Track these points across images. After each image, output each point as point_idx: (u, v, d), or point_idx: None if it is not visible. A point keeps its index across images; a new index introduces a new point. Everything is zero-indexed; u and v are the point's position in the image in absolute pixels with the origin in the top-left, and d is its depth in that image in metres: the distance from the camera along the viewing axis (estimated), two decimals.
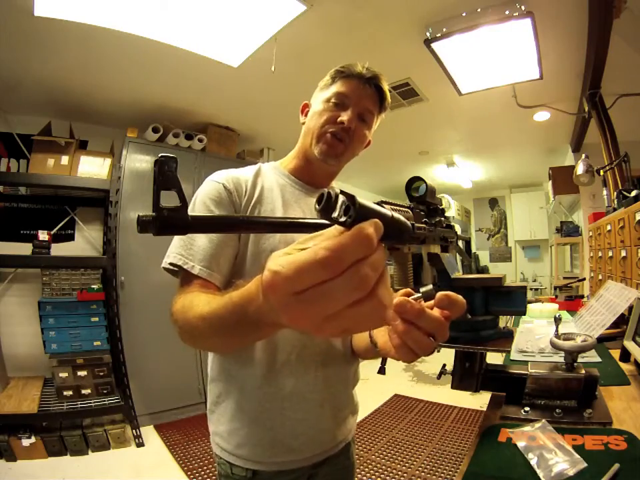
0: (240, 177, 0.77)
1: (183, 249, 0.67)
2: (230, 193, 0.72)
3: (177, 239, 0.69)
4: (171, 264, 0.67)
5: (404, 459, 2.21)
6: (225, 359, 0.75)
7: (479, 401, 2.81)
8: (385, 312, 0.26)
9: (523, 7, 1.74)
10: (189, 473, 2.07)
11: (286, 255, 0.26)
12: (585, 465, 0.55)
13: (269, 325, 0.36)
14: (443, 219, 0.73)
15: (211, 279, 0.66)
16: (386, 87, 0.79)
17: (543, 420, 0.69)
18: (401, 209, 0.50)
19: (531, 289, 5.15)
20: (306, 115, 0.82)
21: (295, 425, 0.72)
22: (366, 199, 0.26)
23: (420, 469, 2.09)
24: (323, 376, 0.75)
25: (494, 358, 0.87)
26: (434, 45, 2.02)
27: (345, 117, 0.75)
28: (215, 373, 0.77)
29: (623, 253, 1.62)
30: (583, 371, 0.76)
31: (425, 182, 0.66)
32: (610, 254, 1.84)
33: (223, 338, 0.51)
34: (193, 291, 0.62)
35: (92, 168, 2.55)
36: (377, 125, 0.83)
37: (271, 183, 0.79)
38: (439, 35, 1.94)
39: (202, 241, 0.68)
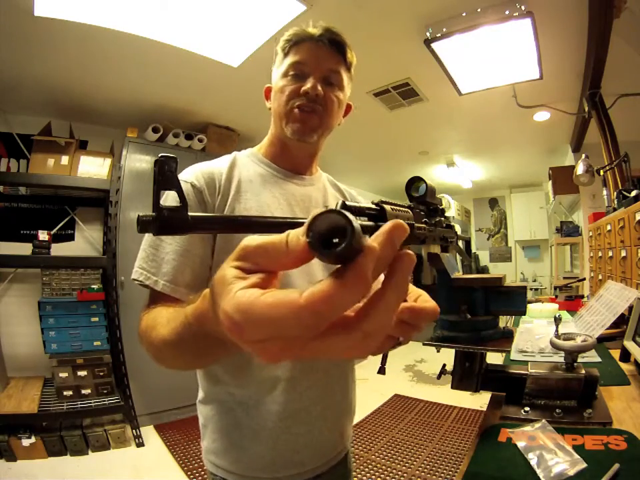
0: (213, 170, 0.68)
1: (145, 262, 0.62)
2: (200, 191, 0.65)
3: (141, 249, 0.63)
4: (134, 279, 0.62)
5: (404, 459, 2.21)
6: (221, 372, 0.68)
7: (479, 401, 2.81)
8: (375, 344, 0.21)
9: (523, 7, 1.74)
10: (188, 473, 2.07)
11: (245, 290, 0.21)
12: (585, 465, 0.55)
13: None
14: (443, 218, 0.73)
15: (175, 294, 0.60)
16: (344, 39, 0.71)
17: (543, 420, 0.68)
18: (401, 208, 0.50)
19: (531, 289, 5.15)
20: (270, 99, 0.75)
21: (297, 439, 0.68)
22: (366, 199, 0.25)
23: (420, 469, 2.09)
24: (326, 386, 0.72)
25: (494, 358, 0.87)
26: (434, 45, 2.02)
27: (308, 84, 0.67)
28: (208, 387, 0.71)
29: (623, 253, 1.62)
30: (583, 371, 0.76)
31: (425, 182, 0.66)
32: (610, 254, 1.84)
33: (190, 358, 0.47)
34: (157, 307, 0.57)
35: (92, 168, 2.55)
36: (350, 85, 0.76)
37: (249, 174, 0.71)
38: (439, 34, 1.93)
39: (166, 251, 0.61)
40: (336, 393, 0.74)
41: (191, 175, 0.66)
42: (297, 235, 0.20)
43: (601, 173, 2.23)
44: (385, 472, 2.08)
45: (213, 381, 0.70)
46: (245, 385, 0.67)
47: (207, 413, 0.71)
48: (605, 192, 2.37)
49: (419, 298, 0.39)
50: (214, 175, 0.67)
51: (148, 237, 0.63)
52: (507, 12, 1.77)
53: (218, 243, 0.64)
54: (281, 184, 0.73)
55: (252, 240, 0.23)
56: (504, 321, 1.67)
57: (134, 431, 2.40)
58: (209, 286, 0.56)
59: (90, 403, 2.31)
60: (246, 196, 0.68)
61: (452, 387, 0.81)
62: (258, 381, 0.66)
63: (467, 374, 0.78)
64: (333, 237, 0.19)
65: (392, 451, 2.31)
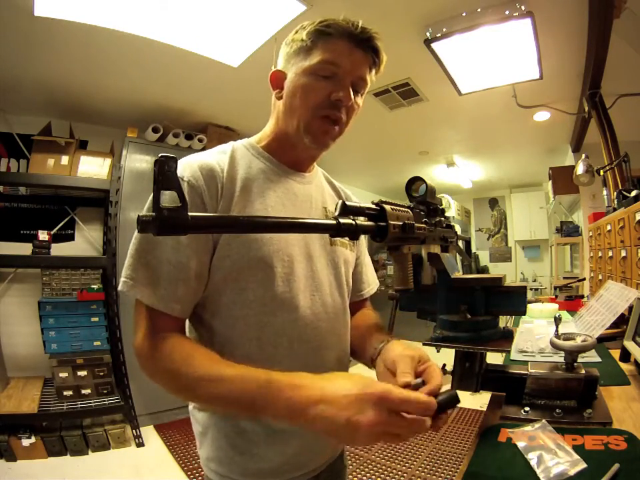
0: (213, 166, 0.61)
1: (134, 270, 0.57)
2: (199, 194, 0.58)
3: (129, 256, 0.58)
4: (121, 291, 0.57)
5: (404, 459, 2.21)
6: None
7: (479, 401, 2.80)
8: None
9: (523, 7, 1.74)
10: (188, 473, 2.07)
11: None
12: (585, 465, 0.55)
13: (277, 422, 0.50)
14: (443, 218, 0.73)
15: (167, 310, 0.57)
16: (381, 45, 0.65)
17: (543, 420, 0.68)
18: (401, 208, 0.50)
19: (531, 289, 5.15)
20: (280, 88, 0.66)
21: (304, 442, 0.66)
22: (366, 198, 0.25)
23: (420, 469, 2.09)
24: None
25: (494, 358, 0.87)
26: (434, 45, 2.02)
27: (341, 92, 0.61)
28: None
29: (623, 253, 1.62)
30: (583, 371, 0.76)
31: (425, 182, 0.66)
32: (610, 254, 1.84)
33: (220, 408, 0.52)
34: (172, 335, 0.56)
35: (92, 168, 2.55)
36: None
37: (251, 171, 0.66)
38: (439, 34, 1.93)
39: (159, 260, 0.57)
40: None
41: (188, 174, 0.58)
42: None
43: (601, 173, 2.23)
44: (385, 472, 2.08)
45: None
46: None
47: (206, 420, 0.67)
48: (605, 192, 2.37)
49: (427, 372, 0.54)
50: (215, 172, 0.60)
51: (136, 244, 0.58)
52: (507, 12, 1.77)
53: (220, 247, 0.60)
54: (282, 182, 0.69)
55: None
56: (504, 321, 1.67)
57: (134, 431, 2.39)
58: (208, 290, 0.64)
59: (90, 402, 2.31)
60: (251, 198, 0.63)
61: (452, 387, 0.81)
62: None
63: (466, 374, 0.78)
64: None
65: (392, 451, 2.31)
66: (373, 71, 0.67)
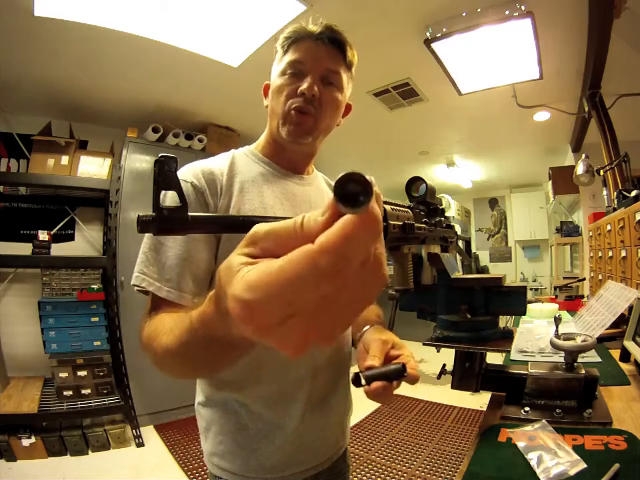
0: (214, 169, 0.66)
1: (146, 266, 0.60)
2: (201, 192, 0.62)
3: (141, 252, 0.61)
4: (134, 285, 0.60)
5: (404, 459, 2.21)
6: (226, 381, 0.66)
7: (479, 401, 2.81)
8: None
9: (522, 7, 1.74)
10: (188, 473, 2.07)
11: (250, 265, 0.20)
12: (585, 465, 0.55)
13: (246, 342, 0.29)
14: (443, 218, 0.73)
15: (180, 301, 0.58)
16: (344, 37, 0.69)
17: (543, 420, 0.68)
18: (401, 209, 0.50)
19: (531, 289, 5.14)
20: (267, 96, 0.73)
21: (305, 438, 0.68)
22: None
23: (420, 469, 2.09)
24: (333, 385, 0.72)
25: (494, 358, 0.87)
26: (434, 45, 2.03)
27: (304, 84, 0.65)
28: (211, 391, 0.69)
29: (623, 253, 1.62)
30: (583, 371, 0.76)
31: (425, 182, 0.65)
32: (610, 254, 1.84)
33: (197, 365, 0.45)
34: (159, 315, 0.55)
35: (92, 168, 2.55)
36: (350, 85, 0.74)
37: (250, 174, 0.69)
38: (439, 34, 1.94)
39: (168, 255, 0.59)
40: (338, 392, 0.75)
41: (191, 175, 0.63)
42: (314, 216, 0.20)
43: (601, 172, 2.23)
44: (385, 472, 2.08)
45: (216, 386, 0.68)
46: (251, 385, 0.66)
47: (209, 416, 0.70)
48: (604, 192, 2.37)
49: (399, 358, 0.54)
50: (215, 175, 0.65)
51: (148, 240, 0.61)
52: (507, 12, 1.77)
53: (223, 243, 0.62)
54: (281, 183, 0.72)
55: (262, 225, 0.22)
56: (504, 321, 1.67)
57: (134, 430, 2.39)
58: (214, 282, 0.55)
59: (90, 403, 2.31)
60: (249, 196, 0.66)
61: (452, 387, 0.81)
62: (264, 381, 0.66)
63: (466, 374, 0.78)
64: (356, 195, 0.18)
65: (392, 451, 2.31)
66: (345, 63, 0.70)
